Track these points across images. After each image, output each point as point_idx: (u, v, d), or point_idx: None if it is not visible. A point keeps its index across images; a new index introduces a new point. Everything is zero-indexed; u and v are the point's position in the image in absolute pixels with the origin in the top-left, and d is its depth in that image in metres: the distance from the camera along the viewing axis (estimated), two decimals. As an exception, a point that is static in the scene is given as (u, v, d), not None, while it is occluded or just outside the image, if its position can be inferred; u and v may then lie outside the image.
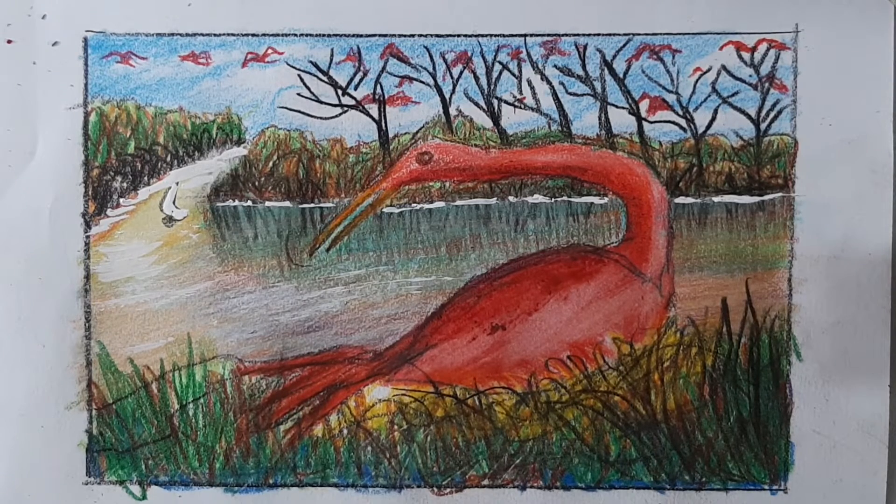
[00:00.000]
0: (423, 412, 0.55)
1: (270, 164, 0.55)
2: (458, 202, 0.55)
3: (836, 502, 0.54)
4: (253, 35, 0.54)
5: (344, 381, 0.55)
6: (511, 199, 0.55)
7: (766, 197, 0.54)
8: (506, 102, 0.55)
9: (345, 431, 0.55)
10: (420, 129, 0.55)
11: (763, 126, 0.54)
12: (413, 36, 0.54)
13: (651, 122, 0.55)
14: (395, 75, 0.55)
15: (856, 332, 0.54)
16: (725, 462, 0.55)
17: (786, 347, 0.54)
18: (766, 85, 0.54)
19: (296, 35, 0.54)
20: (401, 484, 0.55)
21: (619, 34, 0.54)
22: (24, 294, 0.54)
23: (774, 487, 0.55)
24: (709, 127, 0.54)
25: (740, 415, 0.55)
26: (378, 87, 0.55)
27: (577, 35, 0.54)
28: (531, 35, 0.54)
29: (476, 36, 0.54)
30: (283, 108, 0.55)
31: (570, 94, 0.55)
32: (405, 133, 0.55)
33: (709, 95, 0.54)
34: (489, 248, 0.55)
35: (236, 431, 0.55)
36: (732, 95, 0.54)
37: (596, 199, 0.55)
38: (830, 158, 0.54)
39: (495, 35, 0.54)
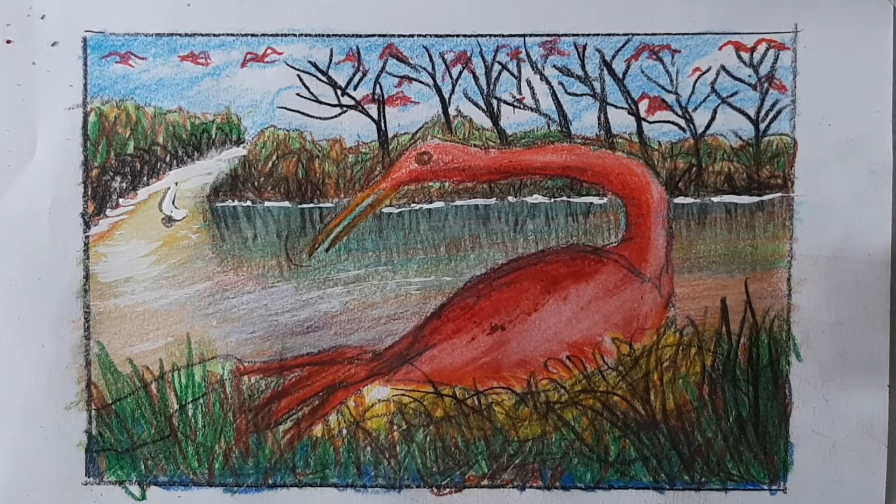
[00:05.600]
0: (422, 412, 0.55)
1: (270, 164, 0.55)
2: (458, 202, 0.55)
3: (836, 502, 0.54)
4: (252, 35, 0.54)
5: (343, 382, 0.55)
6: (510, 199, 0.55)
7: (766, 197, 0.54)
8: (505, 102, 0.55)
9: (344, 431, 0.55)
10: (419, 129, 0.55)
11: (762, 126, 0.54)
12: (412, 36, 0.54)
13: (650, 122, 0.55)
14: (394, 75, 0.55)
15: (855, 333, 0.54)
16: (725, 462, 0.55)
17: (785, 347, 0.54)
18: (766, 85, 0.54)
19: (295, 35, 0.54)
20: (400, 484, 0.55)
21: (618, 34, 0.54)
22: (23, 294, 0.54)
23: (774, 487, 0.55)
24: (708, 127, 0.54)
25: (740, 415, 0.55)
26: (377, 87, 0.55)
27: (577, 35, 0.54)
28: (530, 35, 0.54)
29: (475, 36, 0.54)
30: (282, 108, 0.55)
31: (570, 94, 0.55)
32: (404, 133, 0.55)
33: (708, 95, 0.54)
34: (488, 248, 0.55)
35: (236, 432, 0.55)
36: (732, 95, 0.54)
37: (595, 200, 0.55)
38: (830, 158, 0.54)
39: (495, 35, 0.54)
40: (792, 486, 0.55)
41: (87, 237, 0.55)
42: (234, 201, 0.55)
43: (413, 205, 0.55)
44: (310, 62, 0.55)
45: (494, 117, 0.55)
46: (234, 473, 0.55)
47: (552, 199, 0.55)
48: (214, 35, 0.54)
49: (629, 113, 0.55)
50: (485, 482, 0.55)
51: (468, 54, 0.55)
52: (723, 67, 0.54)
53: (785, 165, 0.54)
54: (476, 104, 0.55)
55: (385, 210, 0.55)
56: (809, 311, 0.54)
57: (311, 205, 0.55)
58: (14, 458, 0.55)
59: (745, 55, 0.54)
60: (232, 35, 0.54)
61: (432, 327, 0.55)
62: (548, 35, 0.54)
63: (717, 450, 0.55)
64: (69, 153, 0.55)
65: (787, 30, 0.54)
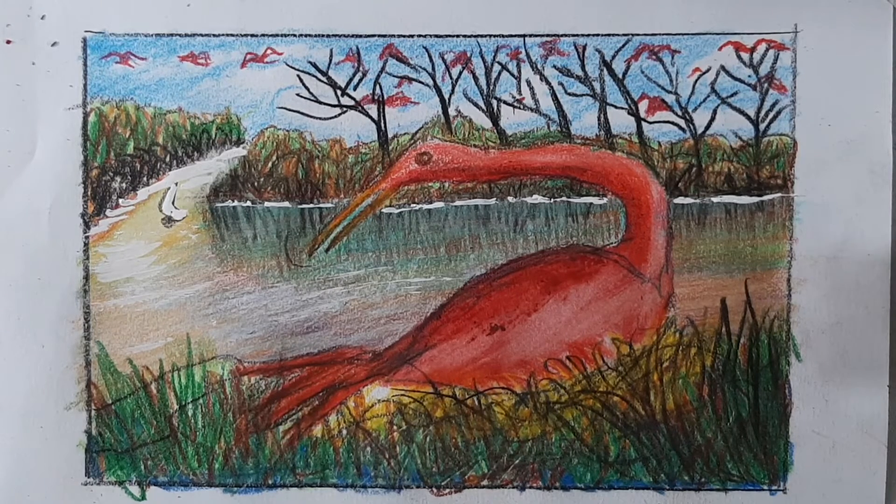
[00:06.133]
0: (422, 412, 0.55)
1: (270, 164, 0.55)
2: (458, 202, 0.55)
3: (836, 502, 0.54)
4: (252, 35, 0.54)
5: (343, 382, 0.55)
6: (510, 199, 0.55)
7: (766, 197, 0.54)
8: (505, 103, 0.55)
9: (344, 432, 0.55)
10: (419, 129, 0.55)
11: (762, 126, 0.54)
12: (412, 36, 0.54)
13: (650, 123, 0.55)
14: (394, 76, 0.55)
15: (855, 333, 0.54)
16: (725, 462, 0.55)
17: (785, 348, 0.54)
18: (766, 85, 0.54)
19: (295, 35, 0.54)
20: (400, 484, 0.55)
21: (618, 34, 0.54)
22: (23, 294, 0.54)
23: (774, 488, 0.55)
24: (708, 127, 0.54)
25: (739, 415, 0.55)
26: (377, 87, 0.55)
27: (577, 35, 0.54)
28: (530, 35, 0.54)
29: (475, 36, 0.54)
30: (282, 108, 0.55)
31: (570, 94, 0.55)
32: (404, 133, 0.55)
33: (708, 96, 0.54)
34: (488, 248, 0.55)
35: (235, 432, 0.55)
36: (732, 96, 0.54)
37: (595, 200, 0.55)
38: (829, 159, 0.54)
39: (494, 35, 0.54)
40: (792, 486, 0.55)
41: (86, 237, 0.55)
42: (234, 201, 0.55)
43: (413, 205, 0.55)
44: (310, 62, 0.55)
45: (494, 118, 0.55)
46: (234, 474, 0.55)
47: (552, 200, 0.55)
48: (214, 35, 0.54)
49: (629, 113, 0.55)
50: (485, 482, 0.55)
51: (468, 54, 0.55)
52: (723, 68, 0.54)
53: (785, 165, 0.54)
54: (476, 104, 0.55)
55: (385, 210, 0.55)
56: (809, 312, 0.54)
57: (311, 205, 0.55)
58: (14, 458, 0.55)
59: (745, 55, 0.54)
60: (232, 35, 0.54)
61: (432, 327, 0.55)
62: (548, 35, 0.54)
63: (717, 450, 0.55)
64: (69, 153, 0.55)
65: (787, 30, 0.54)
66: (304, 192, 0.55)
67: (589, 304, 0.55)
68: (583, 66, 0.54)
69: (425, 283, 0.55)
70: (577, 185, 0.55)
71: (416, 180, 0.55)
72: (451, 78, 0.55)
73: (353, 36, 0.54)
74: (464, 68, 0.55)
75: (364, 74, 0.55)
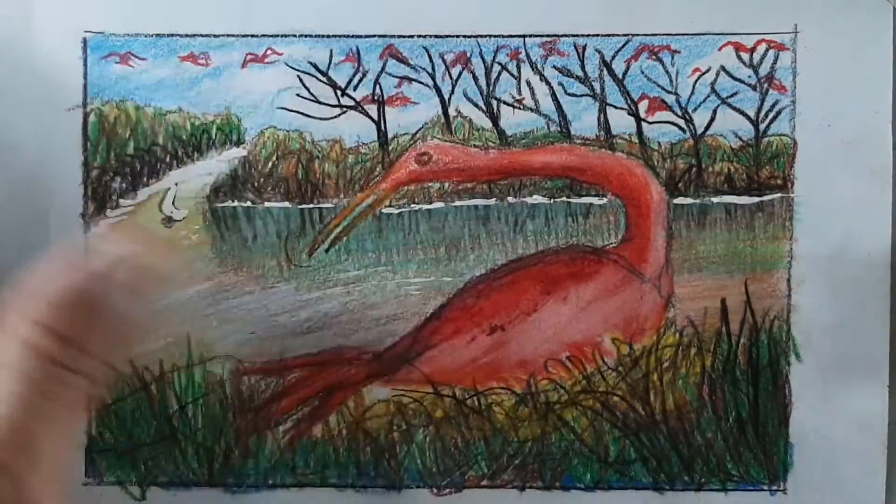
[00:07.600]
0: (422, 413, 0.55)
1: (270, 164, 0.55)
2: (458, 203, 0.55)
3: (836, 502, 0.54)
4: (252, 36, 0.54)
5: (343, 382, 0.55)
6: (510, 199, 0.55)
7: (766, 197, 0.54)
8: (505, 103, 0.55)
9: (344, 432, 0.55)
10: (419, 129, 0.55)
11: (762, 126, 0.54)
12: (412, 37, 0.54)
13: (650, 123, 0.55)
14: (394, 76, 0.55)
15: (855, 333, 0.54)
16: (724, 462, 0.55)
17: (785, 348, 0.54)
18: (766, 85, 0.54)
19: (295, 36, 0.54)
20: (400, 484, 0.55)
21: (618, 35, 0.54)
22: (23, 295, 0.54)
23: (773, 488, 0.55)
24: (708, 127, 0.54)
25: (739, 415, 0.55)
26: (377, 87, 0.55)
27: (576, 36, 0.54)
28: (530, 36, 0.54)
29: (475, 37, 0.54)
30: (282, 108, 0.55)
31: (570, 94, 0.55)
32: (404, 134, 0.55)
33: (708, 96, 0.54)
34: (488, 248, 0.55)
35: (235, 432, 0.55)
36: (731, 96, 0.54)
37: (595, 200, 0.55)
38: (829, 159, 0.54)
39: (494, 36, 0.54)
40: (792, 486, 0.55)
41: (87, 237, 0.55)
42: (234, 202, 0.55)
43: (413, 205, 0.55)
44: (310, 63, 0.55)
45: (494, 118, 0.55)
46: (234, 474, 0.55)
47: (552, 200, 0.55)
48: (214, 36, 0.54)
49: (629, 113, 0.54)
50: (485, 482, 0.55)
51: (468, 55, 0.54)
52: (722, 68, 0.54)
53: (785, 166, 0.54)
54: (476, 105, 0.55)
55: (385, 211, 0.55)
56: (809, 312, 0.54)
57: (311, 205, 0.55)
58: (14, 459, 0.55)
59: (745, 55, 0.54)
60: (232, 36, 0.54)
61: (432, 328, 0.55)
62: (547, 35, 0.54)
63: (717, 450, 0.55)
64: (69, 153, 0.55)
65: (787, 30, 0.54)
66: (304, 193, 0.55)
67: (589, 304, 0.55)
68: (583, 67, 0.54)
69: (425, 283, 0.55)
70: (577, 185, 0.55)
71: (415, 181, 0.55)
72: (451, 78, 0.55)
73: (353, 36, 0.54)
74: (464, 68, 0.55)
75: (364, 75, 0.55)
